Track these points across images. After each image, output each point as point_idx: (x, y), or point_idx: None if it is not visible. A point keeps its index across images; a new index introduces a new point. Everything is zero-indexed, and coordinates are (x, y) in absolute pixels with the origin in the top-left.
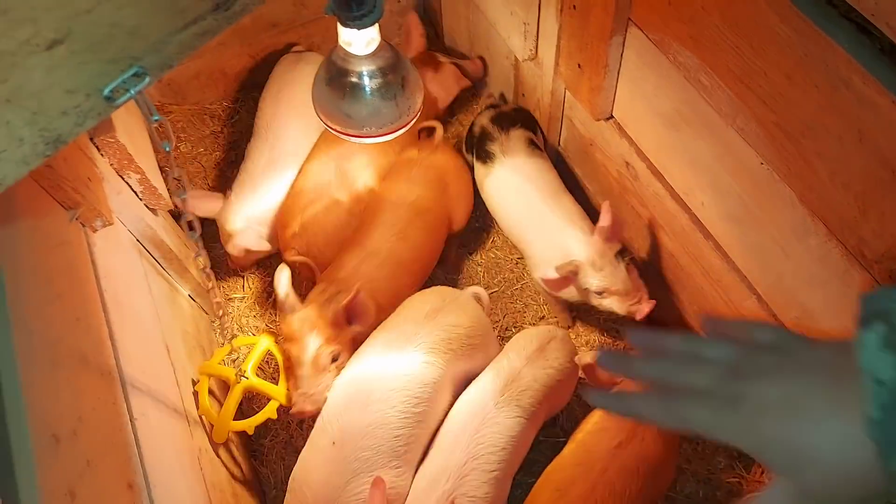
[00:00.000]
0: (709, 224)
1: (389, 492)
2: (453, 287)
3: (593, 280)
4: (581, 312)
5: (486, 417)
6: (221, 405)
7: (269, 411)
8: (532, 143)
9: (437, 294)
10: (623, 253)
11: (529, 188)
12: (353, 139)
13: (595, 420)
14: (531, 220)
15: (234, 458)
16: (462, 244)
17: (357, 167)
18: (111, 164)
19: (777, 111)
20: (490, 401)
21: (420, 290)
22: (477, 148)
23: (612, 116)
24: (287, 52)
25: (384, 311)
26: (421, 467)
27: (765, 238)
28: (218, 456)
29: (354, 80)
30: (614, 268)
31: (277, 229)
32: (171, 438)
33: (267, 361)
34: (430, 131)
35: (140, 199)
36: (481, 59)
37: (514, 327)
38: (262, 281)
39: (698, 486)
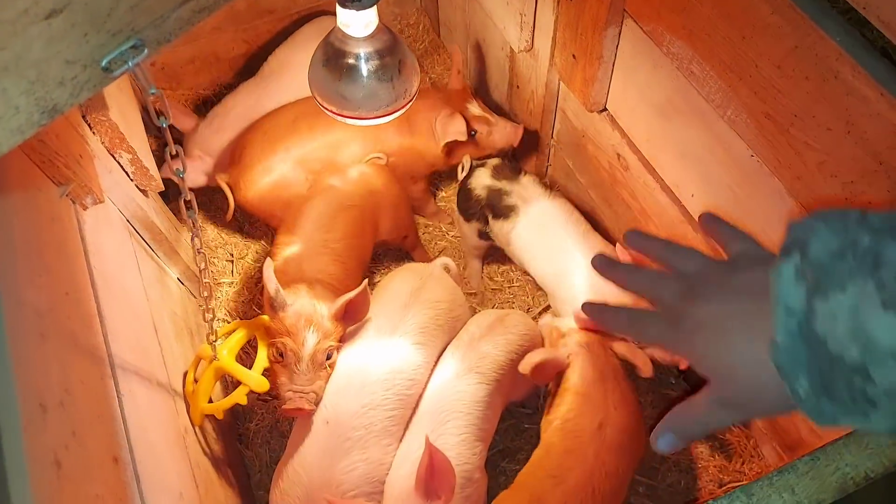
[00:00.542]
0: (698, 216)
1: (379, 467)
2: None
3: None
4: None
5: (448, 387)
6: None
7: (238, 396)
8: (546, 185)
9: (412, 272)
10: None
11: (559, 229)
12: (348, 121)
13: (568, 406)
14: (565, 263)
15: (219, 439)
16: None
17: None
18: (103, 143)
19: (767, 101)
20: (451, 371)
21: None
22: (492, 209)
23: (605, 109)
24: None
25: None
26: (401, 445)
27: (754, 229)
28: (203, 436)
29: (351, 61)
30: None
31: (229, 158)
32: (157, 416)
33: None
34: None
35: (131, 180)
36: (525, 128)
37: None
38: (252, 267)
39: (680, 475)
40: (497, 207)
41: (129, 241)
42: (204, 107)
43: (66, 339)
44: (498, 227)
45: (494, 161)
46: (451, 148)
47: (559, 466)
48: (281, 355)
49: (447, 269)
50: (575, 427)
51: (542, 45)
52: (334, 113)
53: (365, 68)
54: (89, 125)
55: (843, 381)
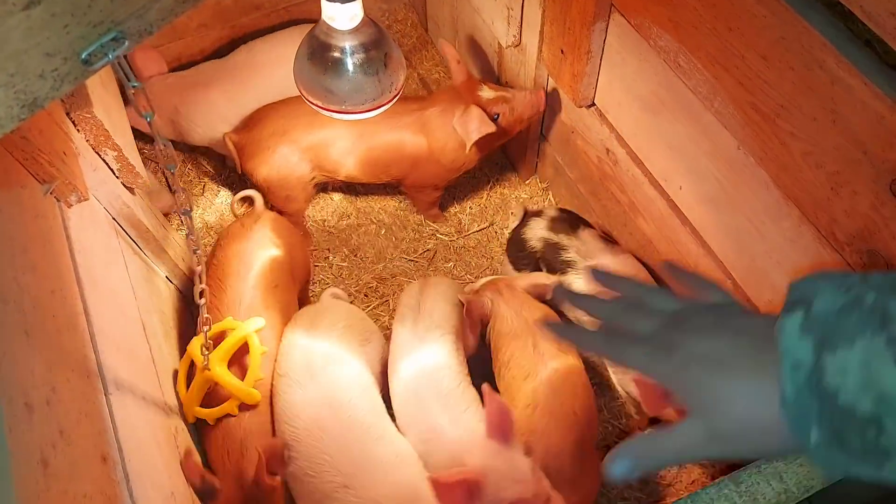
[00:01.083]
0: (685, 208)
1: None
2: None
3: None
4: None
5: (421, 353)
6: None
7: (229, 407)
8: (606, 239)
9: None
10: None
11: None
12: (334, 115)
13: (504, 349)
14: None
15: None
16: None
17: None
18: (87, 140)
19: (753, 92)
20: (415, 341)
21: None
22: (547, 263)
23: (593, 103)
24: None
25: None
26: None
27: (740, 220)
28: (195, 435)
29: (337, 55)
30: None
31: (246, 123)
32: (147, 415)
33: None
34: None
35: (117, 177)
36: (543, 89)
37: None
38: None
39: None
40: (552, 262)
41: (116, 239)
42: None
43: (52, 337)
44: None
45: (552, 212)
46: (479, 140)
47: (531, 394)
48: None
49: (336, 296)
50: (519, 364)
51: (530, 41)
52: (319, 107)
53: (350, 62)
54: (73, 122)
55: (855, 432)
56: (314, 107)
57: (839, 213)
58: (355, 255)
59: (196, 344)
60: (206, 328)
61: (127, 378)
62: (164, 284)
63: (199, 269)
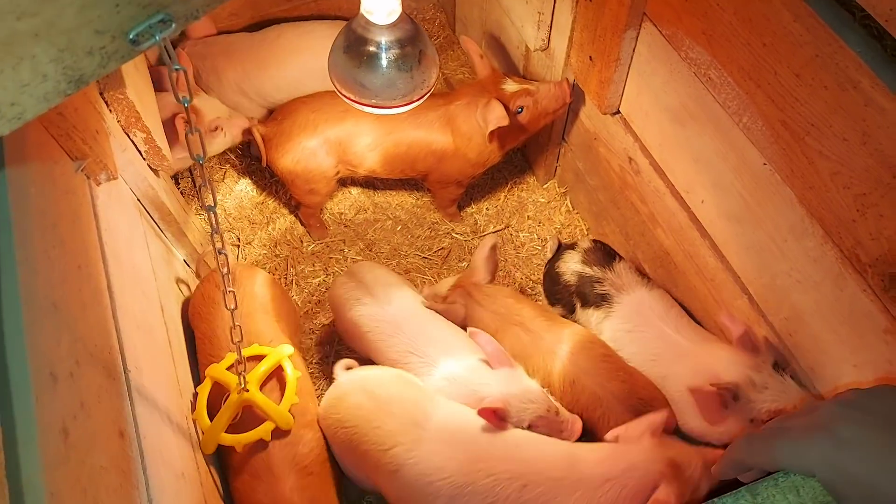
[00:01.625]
0: (706, 222)
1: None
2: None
3: (762, 403)
4: None
5: (420, 313)
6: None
7: (263, 432)
8: (641, 273)
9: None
10: (780, 365)
11: (657, 321)
12: (365, 108)
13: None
14: (665, 358)
15: None
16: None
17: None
18: (118, 121)
19: (784, 109)
20: (419, 314)
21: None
22: (582, 297)
23: (618, 111)
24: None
25: None
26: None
27: (762, 237)
28: None
29: (373, 49)
30: (780, 382)
31: (276, 115)
32: (163, 398)
33: None
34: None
35: (144, 159)
36: (567, 81)
37: None
38: (258, 252)
39: None
40: (587, 296)
41: (140, 219)
42: None
43: (77, 312)
44: (587, 317)
45: (585, 243)
46: (503, 133)
47: (562, 372)
48: None
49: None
50: (524, 355)
51: (558, 45)
52: (351, 100)
53: (385, 57)
54: (106, 102)
55: None
56: (346, 99)
57: (864, 236)
58: (370, 250)
59: (220, 369)
60: (238, 342)
61: (145, 357)
62: (182, 268)
63: (224, 271)
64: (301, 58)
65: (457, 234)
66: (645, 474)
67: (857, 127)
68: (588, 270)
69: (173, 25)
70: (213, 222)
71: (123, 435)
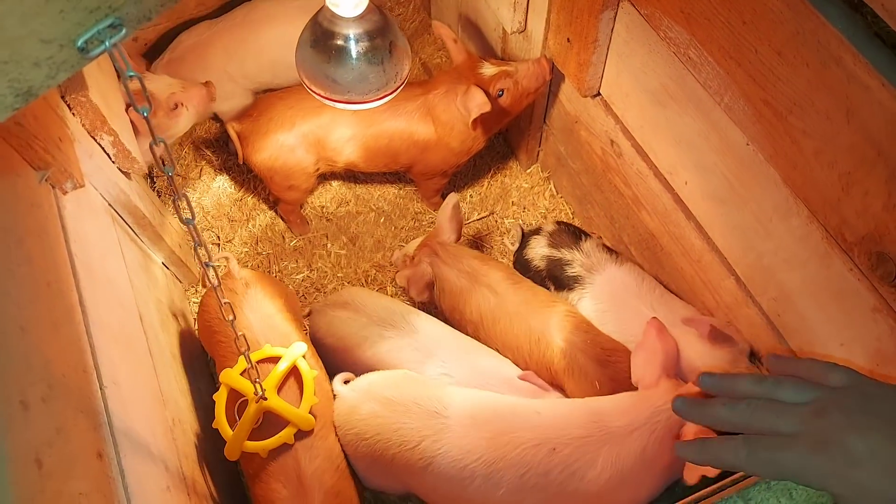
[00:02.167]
0: (691, 203)
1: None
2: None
3: None
4: None
5: (435, 325)
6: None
7: (286, 436)
8: (609, 249)
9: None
10: (756, 355)
11: (632, 298)
12: (338, 105)
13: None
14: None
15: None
16: None
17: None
18: (83, 125)
19: (766, 87)
20: (446, 335)
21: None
22: (554, 281)
23: (598, 94)
24: None
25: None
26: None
27: (747, 217)
28: (192, 428)
29: (340, 42)
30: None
31: (250, 112)
32: (143, 409)
33: None
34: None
35: (113, 162)
36: (545, 58)
37: None
38: (239, 250)
39: None
40: (559, 279)
41: (112, 226)
42: None
43: (48, 332)
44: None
45: (550, 227)
46: (486, 118)
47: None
48: None
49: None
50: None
51: (536, 27)
52: (322, 96)
53: (355, 50)
54: (69, 106)
55: None
56: (317, 96)
57: (850, 214)
58: (354, 244)
59: (234, 375)
60: (246, 351)
61: (123, 371)
62: (161, 271)
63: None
64: (277, 28)
65: None
66: (670, 416)
67: (840, 104)
68: (556, 253)
69: (124, 30)
70: (196, 236)
71: (102, 456)
